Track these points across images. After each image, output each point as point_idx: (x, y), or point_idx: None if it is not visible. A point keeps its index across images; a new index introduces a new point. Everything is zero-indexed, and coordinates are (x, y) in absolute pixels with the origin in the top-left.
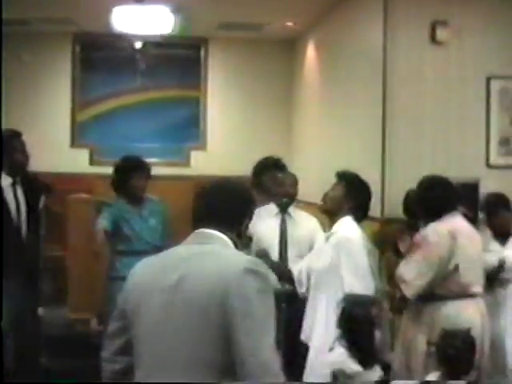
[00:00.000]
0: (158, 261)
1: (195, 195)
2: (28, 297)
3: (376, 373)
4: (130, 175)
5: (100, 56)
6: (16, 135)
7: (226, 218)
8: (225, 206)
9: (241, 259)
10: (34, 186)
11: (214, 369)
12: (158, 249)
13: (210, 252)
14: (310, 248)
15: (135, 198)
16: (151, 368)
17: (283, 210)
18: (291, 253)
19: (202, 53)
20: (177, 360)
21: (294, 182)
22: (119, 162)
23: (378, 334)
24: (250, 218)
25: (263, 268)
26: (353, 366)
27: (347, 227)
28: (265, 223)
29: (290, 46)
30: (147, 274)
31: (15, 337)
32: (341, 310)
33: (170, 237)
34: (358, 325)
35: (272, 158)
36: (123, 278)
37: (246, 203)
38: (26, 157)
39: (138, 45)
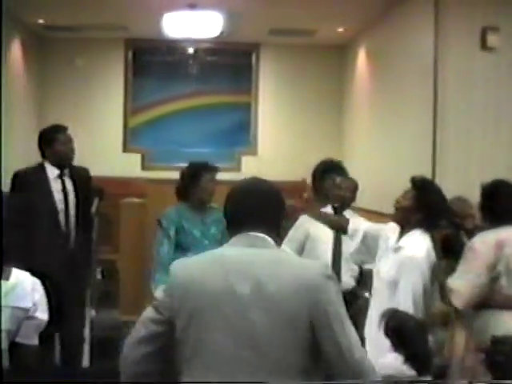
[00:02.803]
0: (216, 262)
1: (232, 196)
2: (76, 298)
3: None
4: (199, 179)
5: (152, 61)
6: (59, 128)
7: (269, 220)
8: (267, 207)
9: (315, 265)
10: (87, 185)
11: (295, 373)
12: None
13: (280, 258)
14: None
15: (200, 205)
16: (225, 374)
17: (338, 213)
18: (344, 254)
19: (254, 58)
20: (258, 366)
21: (352, 186)
22: (188, 167)
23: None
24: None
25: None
26: (407, 372)
27: (414, 245)
28: (319, 227)
29: (341, 52)
30: (202, 276)
31: (62, 338)
32: (390, 327)
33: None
34: (410, 338)
35: (332, 161)
36: None
37: (283, 204)
38: (69, 149)
39: (190, 50)
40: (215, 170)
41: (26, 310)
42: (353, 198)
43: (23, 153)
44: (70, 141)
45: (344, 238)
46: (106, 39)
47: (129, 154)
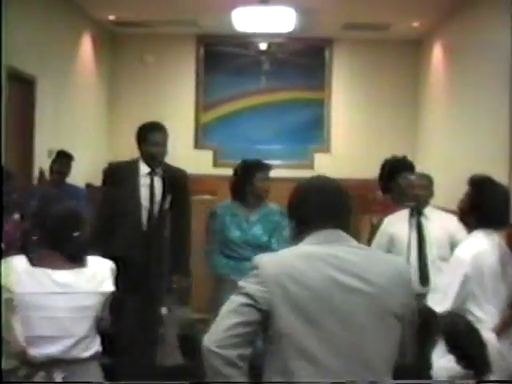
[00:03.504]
0: (310, 260)
1: (305, 194)
2: (152, 296)
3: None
4: (252, 178)
5: (224, 57)
6: (155, 128)
7: (343, 217)
8: (341, 204)
9: (401, 261)
10: (174, 179)
11: (387, 369)
12: None
13: (370, 254)
14: (452, 248)
15: (253, 203)
16: (328, 367)
17: (418, 212)
18: (430, 255)
19: (327, 54)
20: (363, 360)
21: (427, 183)
22: (240, 164)
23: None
24: None
25: None
26: (461, 374)
27: (465, 246)
28: (399, 226)
29: (416, 47)
30: (307, 273)
31: (137, 336)
32: (442, 329)
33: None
34: (462, 339)
35: (399, 159)
36: (225, 281)
37: (351, 202)
38: (160, 150)
39: (263, 46)
40: (268, 168)
41: (106, 294)
42: (429, 195)
43: (94, 149)
44: (162, 141)
45: (427, 240)
46: (177, 35)
47: (200, 150)
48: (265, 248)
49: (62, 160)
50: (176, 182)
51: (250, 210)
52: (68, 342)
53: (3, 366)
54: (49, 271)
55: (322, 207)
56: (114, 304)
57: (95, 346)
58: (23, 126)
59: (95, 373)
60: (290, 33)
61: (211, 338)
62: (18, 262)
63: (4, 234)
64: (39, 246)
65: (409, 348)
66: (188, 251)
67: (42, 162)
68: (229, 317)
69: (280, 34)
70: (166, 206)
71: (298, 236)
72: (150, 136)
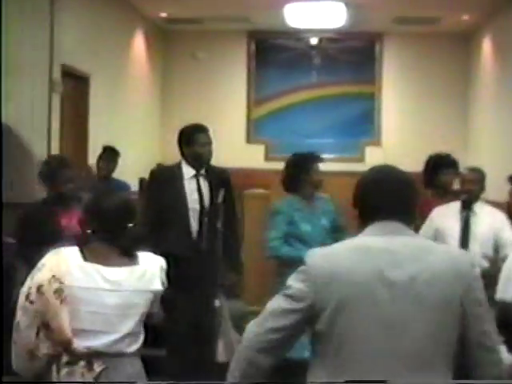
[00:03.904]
0: (360, 253)
1: (367, 183)
2: (206, 289)
3: None
4: (308, 170)
5: (275, 53)
6: (201, 129)
7: (406, 208)
8: (404, 195)
9: (462, 253)
10: (218, 177)
11: (442, 365)
12: None
13: (426, 246)
14: (495, 245)
15: (309, 196)
16: (373, 366)
17: (467, 207)
18: (474, 250)
19: (377, 48)
20: (407, 356)
21: (478, 177)
22: (293, 157)
23: None
24: None
25: None
26: None
27: None
28: (447, 220)
29: (466, 40)
30: (349, 264)
31: (194, 329)
32: (496, 319)
33: (342, 234)
34: None
35: (444, 156)
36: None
37: (417, 192)
38: (208, 151)
39: (313, 41)
40: (321, 160)
41: (157, 292)
42: (481, 190)
43: (147, 144)
44: (208, 142)
45: (473, 220)
46: (228, 31)
47: (252, 145)
48: (330, 240)
49: (108, 155)
50: (220, 181)
51: (310, 203)
52: (112, 338)
53: (47, 350)
54: (100, 267)
55: (381, 198)
56: (167, 299)
57: (138, 342)
58: (78, 123)
59: (135, 368)
60: (340, 28)
61: (249, 336)
62: (71, 255)
63: (67, 227)
64: (92, 238)
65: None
66: (238, 247)
67: (96, 157)
68: (270, 319)
69: (331, 29)
70: (219, 200)
71: (360, 226)
72: (197, 137)
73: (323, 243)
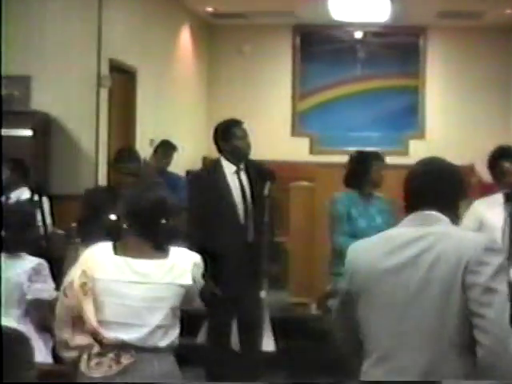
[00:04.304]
0: (382, 242)
1: (410, 175)
2: (251, 281)
3: None
4: (370, 168)
5: (320, 46)
6: (237, 123)
7: (445, 199)
8: (444, 186)
9: (479, 238)
10: (260, 173)
11: (455, 346)
12: None
13: (441, 232)
14: None
15: (368, 194)
16: (389, 349)
17: (510, 199)
18: None
19: (421, 41)
20: (417, 339)
21: None
22: (358, 155)
23: None
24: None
25: (499, 246)
26: None
27: None
28: (491, 211)
29: (509, 34)
30: (372, 255)
31: (239, 322)
32: None
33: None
34: None
35: (503, 147)
36: (340, 275)
37: (462, 183)
38: (246, 144)
39: (358, 34)
40: (383, 159)
41: (187, 287)
42: None
43: (193, 138)
44: (246, 135)
45: None
46: (273, 25)
47: (297, 138)
48: None
49: (165, 149)
50: (261, 174)
51: (368, 201)
52: (141, 331)
53: (79, 341)
54: (129, 259)
55: (416, 189)
56: (210, 292)
57: (170, 338)
58: (125, 116)
59: (166, 364)
60: (385, 21)
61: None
62: (101, 249)
63: None
64: (128, 233)
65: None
66: (275, 239)
67: (143, 150)
68: (341, 315)
69: (375, 23)
70: (265, 192)
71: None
72: (234, 131)
73: None
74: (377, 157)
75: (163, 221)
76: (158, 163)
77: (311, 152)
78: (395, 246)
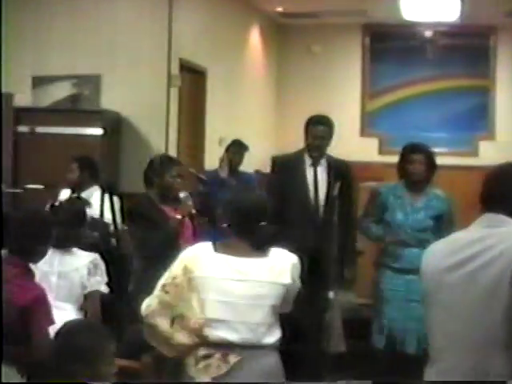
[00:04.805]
0: (448, 243)
1: (486, 178)
2: (318, 280)
3: None
4: (406, 160)
5: (389, 46)
6: (318, 120)
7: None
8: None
9: None
10: (337, 171)
11: (500, 344)
12: (427, 244)
13: (505, 233)
14: None
15: (411, 186)
16: (442, 349)
17: None
18: None
19: (491, 41)
20: (469, 340)
21: None
22: (404, 147)
23: None
24: None
25: None
26: None
27: None
28: None
29: None
30: (437, 256)
31: (302, 319)
32: None
33: (449, 230)
34: None
35: None
36: (388, 267)
37: None
38: (319, 143)
39: (428, 34)
40: (420, 151)
41: (286, 286)
42: None
43: (262, 137)
44: (321, 136)
45: None
46: (343, 25)
47: (366, 138)
48: (431, 236)
49: (236, 149)
50: (340, 173)
51: (416, 195)
52: (242, 328)
53: (182, 340)
54: (230, 257)
55: (487, 192)
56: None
57: (274, 336)
58: (195, 115)
59: (271, 361)
60: (454, 21)
61: None
62: (203, 248)
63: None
64: (227, 233)
65: None
66: (353, 242)
67: (212, 149)
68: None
69: (445, 23)
70: (335, 192)
71: None
72: (313, 129)
73: (421, 238)
74: (413, 150)
75: (263, 222)
76: (228, 163)
77: (380, 152)
78: (457, 246)
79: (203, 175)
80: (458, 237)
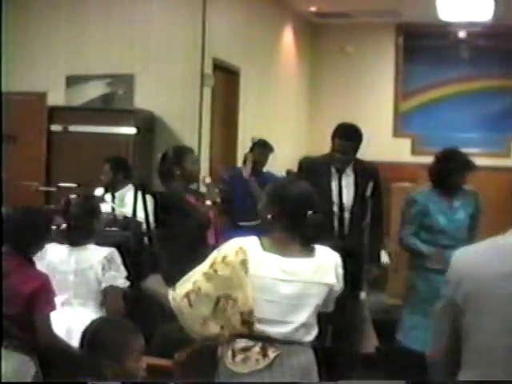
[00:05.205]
0: (491, 249)
1: None
2: (349, 280)
3: None
4: (448, 163)
5: (423, 46)
6: (342, 133)
7: None
8: None
9: None
10: (365, 173)
11: None
12: (463, 243)
13: None
14: None
15: (449, 189)
16: (488, 359)
17: None
18: None
19: None
20: None
21: None
22: (440, 151)
23: None
24: None
25: None
26: None
27: None
28: None
29: None
30: (482, 261)
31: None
32: None
33: (478, 229)
34: None
35: None
36: (424, 268)
37: None
38: (341, 157)
39: (461, 34)
40: (464, 159)
41: (331, 286)
42: None
43: (295, 137)
44: (347, 148)
45: None
46: (376, 25)
47: (399, 139)
48: (466, 234)
49: (261, 149)
50: (368, 175)
51: (451, 196)
52: (287, 328)
53: (212, 329)
54: (278, 257)
55: None
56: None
57: (312, 334)
58: (228, 114)
59: (308, 358)
60: (488, 21)
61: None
62: (251, 244)
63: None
64: (273, 226)
65: None
66: (380, 241)
67: (245, 149)
68: (442, 321)
69: (479, 23)
70: (368, 193)
71: None
72: (338, 142)
73: (458, 238)
74: (455, 153)
75: (310, 212)
76: (253, 163)
77: (413, 153)
78: (506, 253)
79: (227, 172)
80: (500, 243)
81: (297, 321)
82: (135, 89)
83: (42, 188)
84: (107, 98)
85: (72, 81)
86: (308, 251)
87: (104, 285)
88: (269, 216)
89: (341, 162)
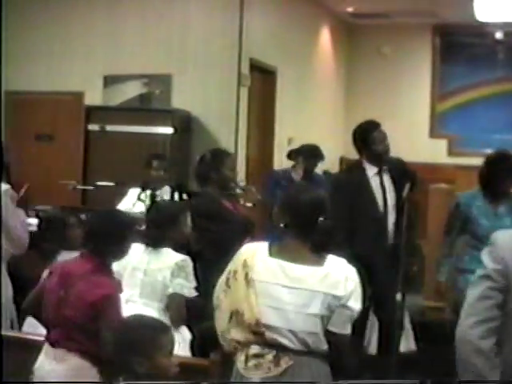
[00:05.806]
0: None
1: None
2: (389, 282)
3: None
4: (495, 168)
5: (460, 46)
6: (375, 126)
7: None
8: None
9: None
10: (402, 174)
11: None
12: None
13: None
14: None
15: (495, 194)
16: None
17: None
18: None
19: None
20: None
21: None
22: (489, 154)
23: None
24: None
25: None
26: None
27: None
28: None
29: None
30: None
31: (379, 326)
32: None
33: None
34: None
35: None
36: (471, 271)
37: None
38: (385, 147)
39: (498, 35)
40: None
41: (339, 298)
42: None
43: (331, 138)
44: (384, 138)
45: None
46: (413, 25)
47: (435, 139)
48: None
49: (312, 158)
50: (403, 174)
51: (498, 201)
52: (292, 336)
53: (233, 335)
54: (283, 263)
55: None
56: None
57: (323, 345)
58: (264, 115)
59: (321, 369)
60: None
61: (462, 328)
62: (259, 249)
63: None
64: (284, 234)
65: None
66: (413, 238)
67: (281, 149)
68: (478, 303)
69: None
70: (405, 193)
71: None
72: (374, 134)
73: None
74: (503, 157)
75: (321, 218)
76: (303, 168)
77: (449, 154)
78: None
79: (272, 174)
80: None
81: (302, 329)
82: (172, 89)
83: (80, 187)
84: (144, 98)
85: (109, 81)
86: (317, 259)
87: (170, 290)
88: (281, 225)
89: (387, 153)
